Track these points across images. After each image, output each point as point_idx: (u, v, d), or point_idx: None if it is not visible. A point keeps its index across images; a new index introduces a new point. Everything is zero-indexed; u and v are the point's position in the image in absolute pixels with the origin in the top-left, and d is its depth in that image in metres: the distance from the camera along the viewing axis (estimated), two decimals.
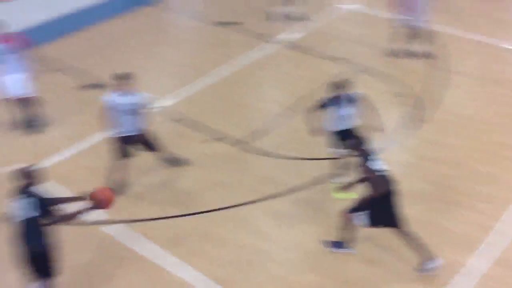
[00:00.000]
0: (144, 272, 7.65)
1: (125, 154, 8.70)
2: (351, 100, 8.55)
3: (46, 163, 9.50)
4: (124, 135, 8.53)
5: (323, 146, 9.67)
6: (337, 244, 7.88)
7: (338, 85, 8.49)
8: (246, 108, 11.25)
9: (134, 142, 8.64)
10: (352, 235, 7.72)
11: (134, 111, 8.39)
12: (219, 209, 8.70)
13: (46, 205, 6.45)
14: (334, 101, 8.53)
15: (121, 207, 8.63)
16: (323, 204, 8.78)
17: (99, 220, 8.41)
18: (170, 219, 8.54)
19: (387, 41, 12.88)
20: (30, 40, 9.96)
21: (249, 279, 7.56)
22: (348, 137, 8.34)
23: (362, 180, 7.35)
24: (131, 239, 8.17)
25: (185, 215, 8.59)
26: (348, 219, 7.52)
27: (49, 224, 6.47)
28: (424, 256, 7.36)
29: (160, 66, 12.97)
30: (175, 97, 11.62)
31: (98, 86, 11.66)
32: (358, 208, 7.36)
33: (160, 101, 11.36)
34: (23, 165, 6.83)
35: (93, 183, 8.87)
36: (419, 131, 10.40)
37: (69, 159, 9.83)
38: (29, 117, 10.43)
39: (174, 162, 9.36)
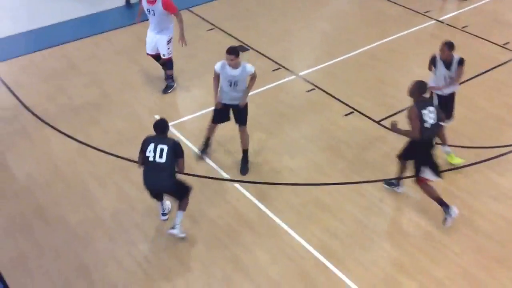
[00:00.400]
0: (264, 232, 7.95)
1: (218, 119, 8.95)
2: (453, 62, 8.74)
3: (180, 118, 10.12)
4: (224, 102, 8.70)
5: (462, 134, 9.41)
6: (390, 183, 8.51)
7: (449, 45, 8.66)
8: (388, 85, 11.04)
9: (228, 109, 8.78)
10: (436, 193, 7.95)
11: (236, 83, 8.46)
12: (342, 183, 8.75)
13: (174, 155, 7.21)
14: (439, 61, 8.80)
15: (252, 168, 9.01)
16: (449, 191, 8.54)
17: (233, 178, 8.86)
18: (290, 186, 8.75)
19: None
20: (174, 5, 10.25)
21: (355, 256, 7.59)
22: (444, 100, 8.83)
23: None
24: (258, 199, 8.46)
25: (304, 184, 8.76)
26: (421, 181, 7.91)
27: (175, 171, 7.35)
28: None
29: (312, 36, 13.01)
30: (317, 67, 11.69)
31: (244, 49, 12.07)
32: (416, 164, 7.87)
33: (303, 70, 11.54)
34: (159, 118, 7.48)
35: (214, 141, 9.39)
36: None
37: (200, 117, 10.25)
38: (166, 77, 10.98)
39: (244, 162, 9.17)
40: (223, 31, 12.97)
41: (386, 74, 11.42)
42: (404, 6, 13.99)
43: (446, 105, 8.81)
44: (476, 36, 12.60)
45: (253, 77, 8.60)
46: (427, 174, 7.83)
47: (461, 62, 8.72)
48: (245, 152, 9.05)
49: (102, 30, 13.03)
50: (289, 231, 7.93)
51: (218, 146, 9.43)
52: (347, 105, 10.41)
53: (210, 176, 8.86)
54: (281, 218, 8.14)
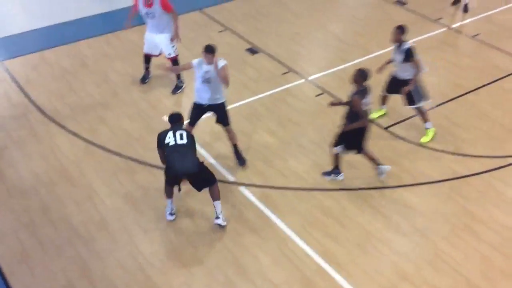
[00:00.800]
0: (267, 235, 7.94)
1: (193, 120, 8.95)
2: (402, 49, 9.14)
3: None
4: (201, 102, 8.74)
5: (469, 143, 9.38)
6: (329, 173, 8.86)
7: (400, 28, 9.13)
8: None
9: (205, 110, 8.83)
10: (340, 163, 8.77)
11: (209, 80, 8.48)
12: (348, 189, 8.72)
13: (190, 137, 7.74)
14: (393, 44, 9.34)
15: (257, 172, 9.02)
16: (453, 200, 8.50)
17: (238, 181, 8.86)
18: (295, 190, 8.74)
19: None
20: (169, 3, 10.31)
21: (358, 262, 7.56)
22: (398, 85, 9.39)
23: (348, 105, 8.27)
24: (263, 202, 8.46)
25: (310, 189, 8.73)
26: (335, 151, 8.61)
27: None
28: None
29: (323, 40, 12.97)
30: (327, 71, 11.65)
31: (254, 52, 12.09)
32: (341, 139, 8.47)
33: (312, 74, 11.52)
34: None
35: (212, 141, 9.38)
36: None
37: (208, 119, 10.20)
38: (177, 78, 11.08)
39: (238, 155, 9.22)
40: (234, 32, 12.98)
41: None
42: (416, 12, 13.92)
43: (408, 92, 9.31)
44: (488, 44, 12.53)
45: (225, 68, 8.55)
46: (341, 150, 8.57)
47: (408, 52, 9.05)
48: (235, 146, 9.10)
49: (114, 29, 13.08)
50: (292, 236, 7.93)
51: (223, 148, 9.44)
52: None
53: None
54: (285, 222, 8.14)
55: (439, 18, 13.62)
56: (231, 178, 8.90)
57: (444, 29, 13.21)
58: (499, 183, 8.83)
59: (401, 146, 9.56)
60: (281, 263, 7.55)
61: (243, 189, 8.70)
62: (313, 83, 11.26)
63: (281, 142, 9.69)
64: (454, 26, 13.35)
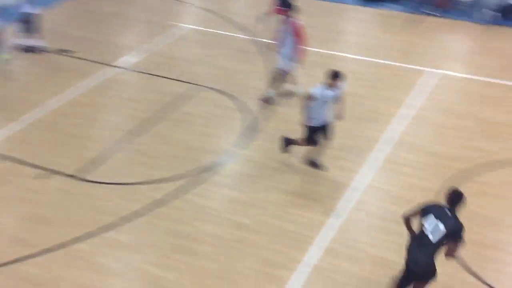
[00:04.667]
0: None
1: (314, 141, 9.61)
2: None
3: None
4: (317, 124, 9.40)
5: (161, 168, 9.53)
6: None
7: None
8: (81, 139, 10.67)
9: (322, 130, 9.52)
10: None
11: (331, 103, 9.28)
12: (52, 249, 8.14)
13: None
14: None
15: None
16: (158, 226, 8.62)
17: None
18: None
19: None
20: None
21: None
22: None
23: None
24: None
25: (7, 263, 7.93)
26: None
27: None
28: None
29: None
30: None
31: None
32: None
33: None
34: None
35: None
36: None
37: None
38: None
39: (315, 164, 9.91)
40: None
41: (76, 128, 11.05)
42: (84, 58, 13.73)
43: None
44: (154, 75, 12.99)
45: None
46: None
47: None
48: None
49: None
50: None
51: None
52: (41, 167, 9.79)
53: None
54: None
55: (106, 60, 13.66)
56: None
57: (113, 69, 13.29)
58: (198, 198, 9.14)
59: (92, 189, 9.34)
60: None
61: None
62: None
63: None
64: (122, 65, 13.52)
